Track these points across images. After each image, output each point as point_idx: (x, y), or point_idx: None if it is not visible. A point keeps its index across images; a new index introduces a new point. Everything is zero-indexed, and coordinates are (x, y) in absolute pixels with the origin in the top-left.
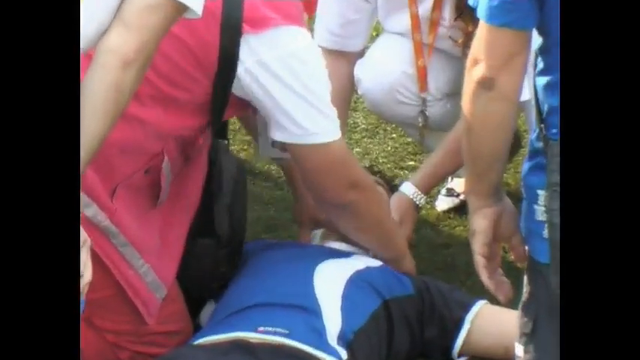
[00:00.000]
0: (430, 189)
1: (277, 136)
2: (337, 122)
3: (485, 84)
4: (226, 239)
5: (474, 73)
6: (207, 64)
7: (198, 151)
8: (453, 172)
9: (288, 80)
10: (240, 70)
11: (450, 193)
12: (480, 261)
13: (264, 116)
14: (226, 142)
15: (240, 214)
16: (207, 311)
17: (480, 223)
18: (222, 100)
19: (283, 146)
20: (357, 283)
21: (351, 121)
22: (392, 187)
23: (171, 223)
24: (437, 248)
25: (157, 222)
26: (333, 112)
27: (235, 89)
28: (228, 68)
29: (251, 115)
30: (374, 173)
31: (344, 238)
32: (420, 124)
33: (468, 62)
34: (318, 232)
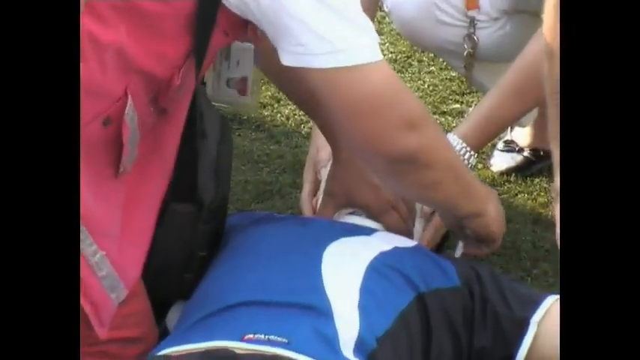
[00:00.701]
0: (483, 143)
1: (289, 60)
2: (376, 38)
3: None
4: (210, 209)
5: None
6: None
7: (176, 100)
8: (516, 119)
9: None
10: None
11: (510, 147)
12: None
13: (269, 35)
14: (203, 85)
15: (226, 182)
16: (177, 312)
17: None
18: (211, 11)
19: (244, 87)
20: (380, 270)
21: None
22: None
23: (138, 200)
24: None
25: (119, 197)
26: (368, 23)
27: None
28: None
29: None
30: None
31: (364, 211)
32: (467, 53)
33: None
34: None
